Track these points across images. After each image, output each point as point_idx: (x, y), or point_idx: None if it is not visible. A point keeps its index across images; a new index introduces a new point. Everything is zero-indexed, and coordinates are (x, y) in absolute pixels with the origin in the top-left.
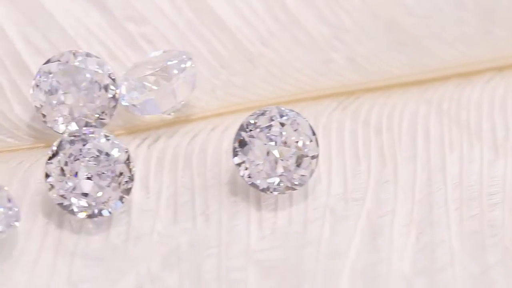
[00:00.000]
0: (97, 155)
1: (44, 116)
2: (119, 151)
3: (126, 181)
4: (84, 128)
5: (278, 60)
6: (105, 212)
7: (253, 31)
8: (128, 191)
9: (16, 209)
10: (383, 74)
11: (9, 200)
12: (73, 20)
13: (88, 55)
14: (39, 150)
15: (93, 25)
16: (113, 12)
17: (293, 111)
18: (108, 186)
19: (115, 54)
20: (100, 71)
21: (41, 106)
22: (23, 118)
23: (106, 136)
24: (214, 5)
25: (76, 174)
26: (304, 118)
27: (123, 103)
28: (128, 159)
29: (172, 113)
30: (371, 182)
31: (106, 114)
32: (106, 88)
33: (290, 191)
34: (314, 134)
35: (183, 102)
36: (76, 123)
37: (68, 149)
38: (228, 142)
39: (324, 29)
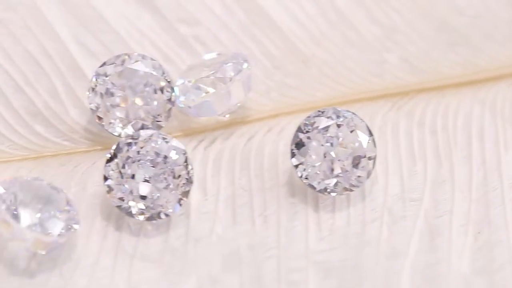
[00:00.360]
0: (155, 158)
1: (100, 118)
2: (177, 153)
3: (184, 184)
4: (141, 131)
5: (331, 61)
6: (163, 215)
7: (305, 31)
8: (186, 193)
9: (75, 212)
10: (436, 74)
11: (68, 203)
12: (125, 22)
13: (143, 57)
14: (96, 153)
15: (145, 27)
16: (165, 14)
17: (349, 111)
18: (166, 189)
19: (168, 56)
20: (156, 74)
21: (97, 108)
22: (79, 121)
23: (164, 138)
24: (266, 6)
25: (134, 177)
26: (361, 119)
27: (179, 105)
28: (186, 161)
29: (228, 115)
30: (428, 182)
31: (162, 117)
32: (162, 90)
33: (347, 192)
34: (371, 134)
35: (239, 104)
36: (132, 125)
37: (125, 151)
38: (284, 143)
39: (376, 29)
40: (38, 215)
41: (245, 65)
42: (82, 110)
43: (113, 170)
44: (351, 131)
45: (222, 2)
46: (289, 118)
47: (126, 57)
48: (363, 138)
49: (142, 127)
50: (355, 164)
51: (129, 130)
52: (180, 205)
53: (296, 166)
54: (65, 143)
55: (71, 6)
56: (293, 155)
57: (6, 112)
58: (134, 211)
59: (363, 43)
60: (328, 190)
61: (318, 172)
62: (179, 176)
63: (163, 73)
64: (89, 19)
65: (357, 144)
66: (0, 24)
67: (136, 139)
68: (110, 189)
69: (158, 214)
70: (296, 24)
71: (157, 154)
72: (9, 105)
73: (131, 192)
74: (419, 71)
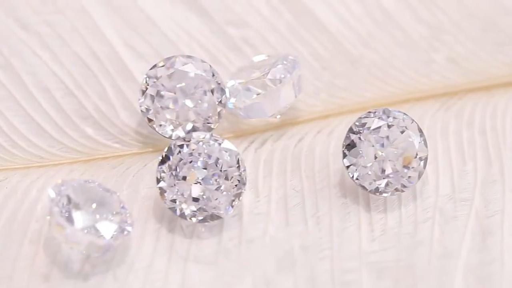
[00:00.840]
0: (207, 160)
1: (150, 120)
2: (229, 155)
3: (236, 185)
4: (193, 133)
5: (379, 61)
6: (216, 217)
7: (352, 32)
8: (239, 195)
9: (128, 214)
10: (484, 74)
11: (121, 206)
12: (173, 24)
13: (194, 59)
14: (146, 155)
15: (193, 29)
16: (212, 16)
17: (400, 112)
18: (218, 191)
19: (217, 58)
20: (207, 76)
21: (148, 111)
22: (129, 123)
23: (216, 140)
24: (313, 8)
25: (186, 179)
26: (412, 119)
27: (229, 106)
28: (238, 162)
29: (278, 116)
30: (478, 182)
31: (212, 118)
32: (212, 92)
33: (398, 192)
34: (422, 135)
35: (288, 105)
36: (183, 127)
37: (177, 153)
38: (335, 144)
39: (423, 29)
40: (92, 217)
41: (295, 67)
42: (132, 113)
43: (165, 172)
44: (402, 132)
45: (269, 4)
46: (339, 119)
47: (177, 59)
48: (414, 139)
49: (193, 129)
50: (406, 165)
51: (180, 132)
52: (232, 206)
53: (348, 167)
54: (115, 146)
55: (118, 9)
56: (344, 156)
57: (57, 115)
58: (186, 213)
59: (411, 43)
60: (380, 191)
61: (370, 173)
62: (232, 177)
63: (214, 75)
64: (137, 22)
65: (408, 144)
66: (48, 27)
67: (188, 141)
68: (162, 191)
69: (211, 216)
70: (344, 25)
71: (209, 156)
72: (59, 108)
73: (183, 194)
74: (467, 71)
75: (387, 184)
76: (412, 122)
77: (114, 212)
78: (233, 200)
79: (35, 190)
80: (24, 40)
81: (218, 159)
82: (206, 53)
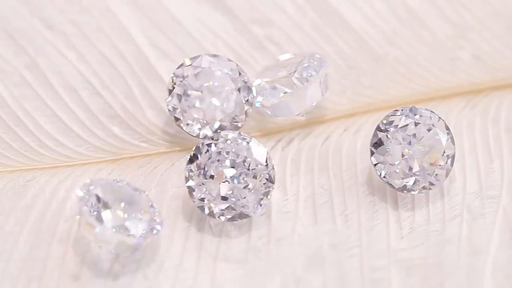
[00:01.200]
0: (235, 158)
1: (177, 120)
2: (257, 154)
3: (264, 184)
4: (221, 131)
5: (404, 59)
6: (244, 215)
7: (377, 31)
8: (267, 193)
9: (158, 213)
10: (509, 71)
11: (150, 205)
12: (198, 24)
13: (220, 58)
14: (174, 154)
15: (218, 28)
16: (237, 15)
17: (427, 110)
18: (247, 189)
19: (242, 57)
20: (233, 74)
21: (175, 110)
22: (156, 122)
23: (244, 139)
24: (338, 6)
25: (214, 178)
26: (439, 117)
27: (256, 105)
28: (267, 161)
29: (305, 115)
30: (505, 179)
31: (239, 117)
32: (239, 91)
33: (426, 190)
34: (449, 132)
35: (315, 104)
36: (210, 126)
37: (205, 153)
38: (362, 142)
39: (447, 27)
40: (121, 216)
41: (322, 65)
42: (159, 112)
43: (193, 171)
44: (429, 130)
45: (294, 3)
46: (365, 117)
47: (203, 58)
48: (441, 136)
49: (220, 128)
50: (434, 162)
51: (207, 131)
52: (261, 205)
53: (375, 164)
54: (143, 145)
55: (143, 8)
56: (372, 154)
57: (83, 114)
58: (215, 211)
59: (436, 41)
60: (407, 189)
61: (397, 171)
62: (260, 176)
63: (240, 74)
64: (162, 21)
65: (435, 142)
66: (74, 26)
67: (216, 139)
68: (191, 190)
69: (239, 214)
70: (368, 23)
71: (237, 155)
72: (86, 107)
73: (211, 193)
74: (492, 69)
75: (414, 182)
76: (439, 120)
77: (143, 211)
78: (262, 199)
79: (63, 189)
80: (50, 40)
81: (246, 157)
82: (231, 52)
